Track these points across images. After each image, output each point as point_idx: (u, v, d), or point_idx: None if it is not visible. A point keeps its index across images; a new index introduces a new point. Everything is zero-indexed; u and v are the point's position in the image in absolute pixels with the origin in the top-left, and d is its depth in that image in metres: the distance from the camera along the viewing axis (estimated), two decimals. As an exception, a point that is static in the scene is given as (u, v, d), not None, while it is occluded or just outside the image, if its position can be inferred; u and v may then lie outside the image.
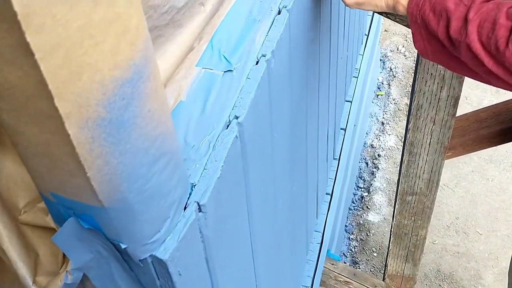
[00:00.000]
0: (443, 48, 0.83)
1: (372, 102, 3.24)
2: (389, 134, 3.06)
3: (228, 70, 0.79)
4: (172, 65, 0.82)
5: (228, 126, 0.73)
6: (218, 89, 0.76)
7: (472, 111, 1.46)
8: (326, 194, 1.90)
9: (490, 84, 0.83)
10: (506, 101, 1.42)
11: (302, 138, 1.28)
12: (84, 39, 0.38)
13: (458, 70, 0.86)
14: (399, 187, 1.51)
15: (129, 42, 0.43)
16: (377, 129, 3.11)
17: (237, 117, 0.73)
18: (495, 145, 1.42)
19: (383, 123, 3.13)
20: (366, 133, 3.08)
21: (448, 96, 1.22)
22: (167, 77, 0.80)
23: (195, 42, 0.85)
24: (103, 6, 0.39)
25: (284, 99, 1.00)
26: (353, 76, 2.31)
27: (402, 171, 1.45)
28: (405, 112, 3.09)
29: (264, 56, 0.83)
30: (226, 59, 0.81)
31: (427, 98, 1.24)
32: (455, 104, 1.23)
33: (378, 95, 3.30)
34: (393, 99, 3.25)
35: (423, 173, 1.42)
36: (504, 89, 0.82)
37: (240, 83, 0.78)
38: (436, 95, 1.23)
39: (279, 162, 1.03)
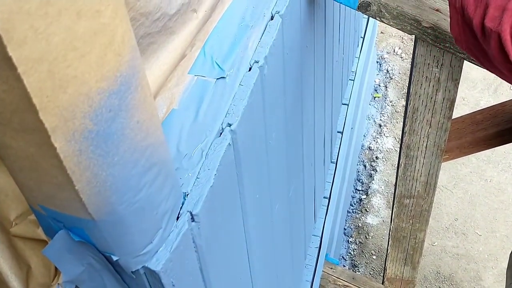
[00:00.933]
0: (475, 39, 0.78)
1: (369, 104, 3.24)
2: (386, 136, 3.06)
3: (221, 77, 0.79)
4: (164, 73, 0.81)
5: (221, 133, 0.72)
6: (211, 97, 0.76)
7: (468, 113, 1.45)
8: (324, 198, 1.89)
9: None
10: (502, 102, 1.42)
11: (298, 143, 1.27)
12: (68, 52, 0.37)
13: (486, 66, 0.81)
14: (397, 190, 1.50)
15: (116, 52, 0.42)
16: (374, 131, 3.10)
17: (230, 125, 0.73)
18: (492, 147, 1.42)
19: (380, 125, 3.13)
20: (364, 136, 3.08)
21: (443, 98, 1.21)
22: (159, 84, 0.79)
23: (188, 49, 0.85)
24: (88, 17, 0.38)
25: (279, 105, 1.00)
26: (350, 79, 2.30)
27: (399, 174, 1.44)
28: (403, 114, 3.09)
29: (257, 62, 0.82)
30: (219, 66, 0.80)
31: (422, 101, 1.23)
32: (451, 107, 1.23)
33: (375, 97, 3.29)
34: (390, 101, 3.25)
35: (420, 176, 1.42)
36: None
37: (233, 90, 0.77)
38: (431, 98, 1.22)
39: (274, 168, 1.02)
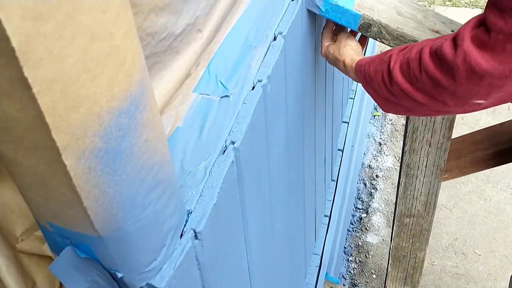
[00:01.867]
0: (396, 105, 0.91)
1: (369, 122, 3.25)
2: (386, 155, 3.07)
3: (225, 96, 0.80)
4: (170, 91, 0.83)
5: (224, 151, 0.73)
6: (215, 115, 0.77)
7: (468, 133, 1.46)
8: (325, 216, 1.89)
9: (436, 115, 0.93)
10: (501, 123, 1.43)
11: (299, 161, 1.28)
12: (82, 73, 0.38)
13: (416, 114, 0.96)
14: (397, 209, 1.51)
15: (126, 73, 0.43)
16: (374, 150, 3.11)
17: (233, 142, 0.74)
18: (491, 167, 1.43)
19: (380, 144, 3.14)
20: (364, 154, 3.09)
21: (443, 118, 1.22)
22: (164, 103, 0.80)
23: (192, 68, 0.86)
24: (101, 39, 0.39)
25: (280, 123, 1.01)
26: (350, 97, 2.32)
27: (399, 193, 1.45)
28: (402, 133, 3.10)
29: (260, 81, 0.84)
30: (223, 84, 0.82)
31: (422, 120, 1.24)
32: (451, 127, 1.24)
33: (375, 115, 3.31)
34: (390, 120, 3.27)
35: (420, 195, 1.42)
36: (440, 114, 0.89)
37: (237, 108, 0.79)
38: (431, 117, 1.23)
39: (276, 186, 1.03)
